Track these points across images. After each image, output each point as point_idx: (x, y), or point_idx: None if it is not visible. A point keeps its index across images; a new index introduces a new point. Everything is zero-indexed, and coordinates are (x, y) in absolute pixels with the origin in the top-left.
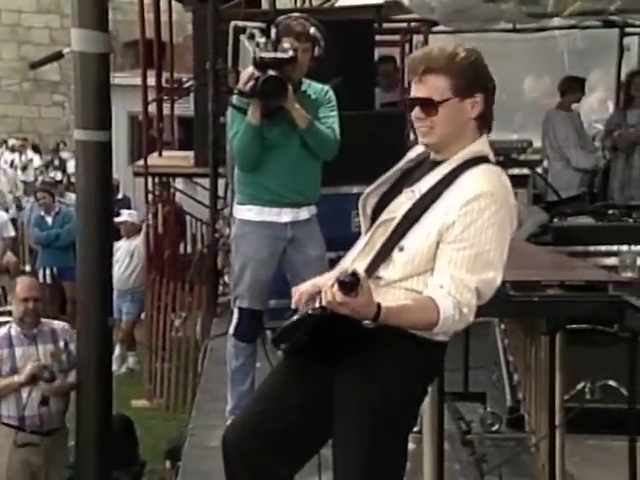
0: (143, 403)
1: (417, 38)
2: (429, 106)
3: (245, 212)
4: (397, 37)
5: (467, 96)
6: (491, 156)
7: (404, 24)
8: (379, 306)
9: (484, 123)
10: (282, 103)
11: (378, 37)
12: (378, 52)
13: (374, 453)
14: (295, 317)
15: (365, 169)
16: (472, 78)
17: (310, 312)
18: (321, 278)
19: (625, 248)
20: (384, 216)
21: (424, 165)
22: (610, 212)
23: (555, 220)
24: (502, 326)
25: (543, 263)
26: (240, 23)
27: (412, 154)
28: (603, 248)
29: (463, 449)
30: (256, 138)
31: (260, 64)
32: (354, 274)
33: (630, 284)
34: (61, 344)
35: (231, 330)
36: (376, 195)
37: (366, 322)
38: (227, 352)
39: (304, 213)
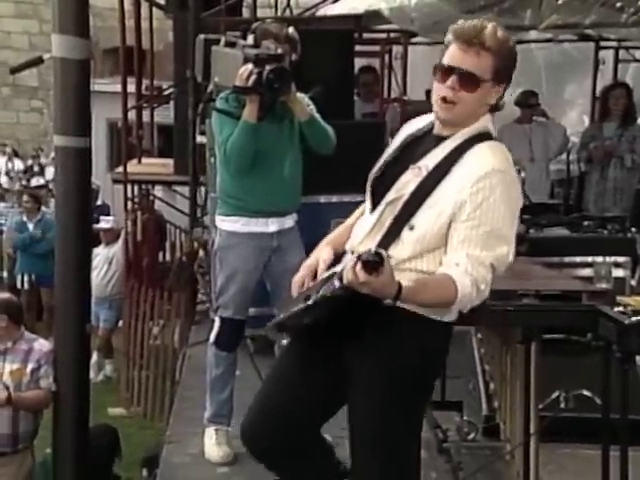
0: (120, 411)
1: (397, 49)
2: (469, 81)
3: (231, 223)
4: (377, 48)
5: (498, 83)
6: (494, 133)
7: (384, 35)
8: (400, 285)
9: (492, 110)
10: (286, 95)
11: (358, 47)
12: (358, 62)
13: (393, 429)
14: (313, 299)
15: (344, 178)
16: (510, 67)
17: (330, 293)
18: (311, 259)
19: (600, 259)
20: (392, 195)
21: (427, 139)
22: (585, 223)
23: (531, 231)
24: (478, 335)
25: (519, 273)
26: (211, 35)
27: (411, 128)
28: (578, 259)
29: (440, 457)
30: (254, 136)
31: (257, 61)
32: (378, 254)
33: (604, 294)
34: (30, 366)
35: (212, 339)
36: (378, 171)
37: (387, 301)
38: (207, 361)
39: (289, 221)
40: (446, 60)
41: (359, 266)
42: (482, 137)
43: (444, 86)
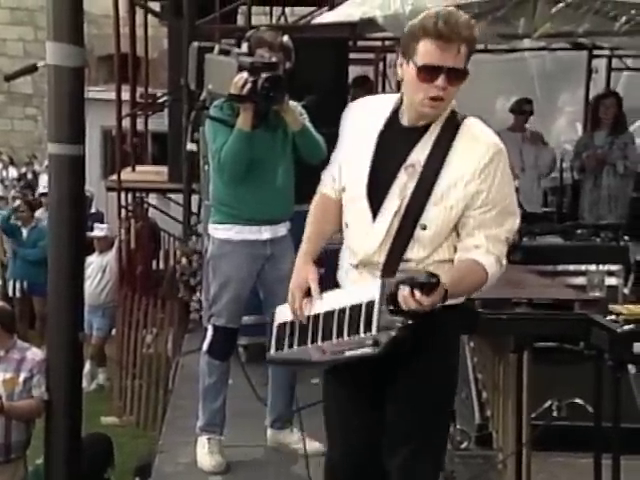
0: (113, 420)
1: (391, 57)
2: (457, 77)
3: (224, 231)
4: (371, 55)
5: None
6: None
7: (378, 42)
8: (444, 287)
9: None
10: (280, 104)
11: (352, 55)
12: (352, 70)
13: (439, 433)
14: (384, 344)
15: None
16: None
17: (403, 327)
18: (299, 280)
19: (593, 268)
20: (395, 201)
21: (399, 131)
22: (578, 232)
23: (525, 239)
24: (471, 344)
25: (512, 281)
26: (205, 43)
27: (369, 120)
28: (571, 267)
29: None
30: (248, 144)
31: (252, 69)
32: (433, 275)
33: (596, 303)
34: (22, 375)
35: (205, 348)
36: (368, 177)
37: (437, 306)
38: (200, 369)
39: (282, 229)
40: (429, 60)
41: (418, 293)
42: (455, 116)
43: (432, 85)
